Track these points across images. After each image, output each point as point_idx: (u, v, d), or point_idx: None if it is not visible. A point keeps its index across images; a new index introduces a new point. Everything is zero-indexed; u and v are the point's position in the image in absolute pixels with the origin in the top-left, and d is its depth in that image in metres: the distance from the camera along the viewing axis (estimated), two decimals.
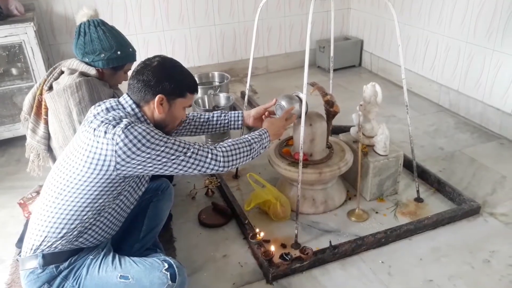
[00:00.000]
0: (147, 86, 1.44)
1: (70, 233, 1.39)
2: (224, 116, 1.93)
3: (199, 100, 2.91)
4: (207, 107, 2.89)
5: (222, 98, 2.96)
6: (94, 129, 1.35)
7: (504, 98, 2.72)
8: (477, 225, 2.01)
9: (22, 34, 2.69)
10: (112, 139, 1.31)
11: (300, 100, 1.89)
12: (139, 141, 1.33)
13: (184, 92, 1.51)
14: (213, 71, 3.53)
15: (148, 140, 1.34)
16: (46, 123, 1.92)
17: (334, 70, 2.67)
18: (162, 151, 1.37)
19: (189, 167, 1.44)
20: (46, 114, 1.91)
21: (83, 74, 1.83)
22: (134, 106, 1.46)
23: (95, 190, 1.37)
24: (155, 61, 1.47)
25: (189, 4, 3.63)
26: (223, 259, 1.88)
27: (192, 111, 3.25)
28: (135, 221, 1.71)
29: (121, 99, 1.49)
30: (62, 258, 1.41)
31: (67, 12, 3.31)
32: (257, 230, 1.90)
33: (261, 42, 4.00)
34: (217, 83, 3.35)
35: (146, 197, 1.79)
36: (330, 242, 1.85)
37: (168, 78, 1.46)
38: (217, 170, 1.51)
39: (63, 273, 1.40)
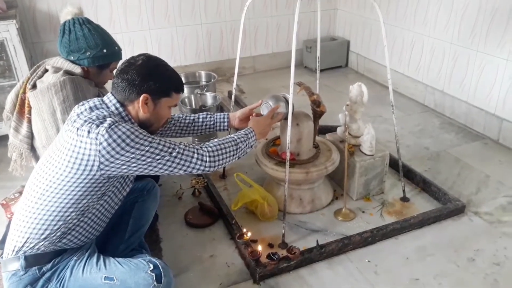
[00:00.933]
0: (132, 85, 1.41)
1: (53, 234, 1.36)
2: (210, 117, 1.91)
3: (186, 100, 2.89)
4: (193, 107, 2.87)
5: (209, 98, 2.94)
6: (77, 129, 1.33)
7: (488, 98, 2.76)
8: (462, 224, 2.03)
9: (4, 31, 2.63)
10: (96, 138, 1.29)
11: (287, 101, 1.88)
12: (123, 140, 1.31)
13: (170, 91, 1.48)
14: (199, 71, 3.50)
15: (132, 140, 1.32)
16: (29, 122, 1.89)
17: (321, 70, 2.68)
18: (147, 151, 1.35)
19: (175, 167, 1.43)
20: (30, 113, 1.87)
21: (68, 72, 1.80)
22: (118, 105, 1.43)
23: (79, 191, 1.34)
24: (139, 60, 1.44)
25: (175, 2, 3.60)
26: (210, 259, 1.86)
27: (178, 110, 3.23)
28: (120, 221, 1.69)
29: (105, 98, 1.46)
30: (45, 260, 1.38)
31: (51, 9, 3.25)
32: (244, 230, 1.89)
33: (248, 41, 3.99)
34: (204, 83, 3.33)
35: (131, 197, 1.76)
36: (317, 241, 1.85)
37: (153, 77, 1.43)
38: (203, 170, 1.49)
39: (46, 275, 1.38)
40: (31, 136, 1.92)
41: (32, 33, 3.30)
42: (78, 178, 1.32)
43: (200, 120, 1.91)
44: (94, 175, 1.33)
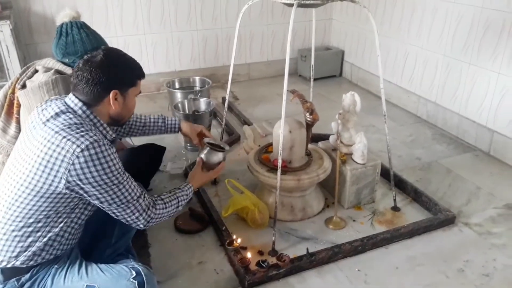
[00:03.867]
0: (97, 85, 1.34)
1: (24, 251, 1.32)
2: (162, 122, 1.93)
3: (179, 105, 2.89)
4: (187, 112, 2.86)
5: (202, 103, 2.94)
6: (48, 140, 1.26)
7: (480, 110, 2.78)
8: (452, 235, 2.03)
9: None
10: (70, 158, 1.24)
11: (221, 150, 1.82)
12: (96, 170, 1.26)
13: (135, 80, 1.44)
14: (194, 76, 3.51)
15: (104, 174, 1.28)
16: (18, 122, 1.87)
17: (315, 79, 2.69)
18: (113, 191, 1.32)
19: (121, 213, 1.37)
20: (18, 113, 1.85)
21: (58, 72, 1.79)
22: (84, 108, 1.36)
23: (45, 202, 1.29)
24: (98, 56, 1.36)
25: (171, 7, 3.61)
26: (198, 266, 1.84)
27: (171, 115, 3.22)
28: (107, 226, 1.65)
29: (68, 100, 1.37)
30: (23, 271, 1.34)
31: (46, 11, 3.24)
32: (234, 236, 1.88)
33: (243, 49, 4.00)
34: (198, 88, 3.33)
35: None
36: (307, 249, 1.84)
37: (118, 71, 1.38)
38: (137, 226, 1.43)
39: (26, 286, 1.34)
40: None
41: (26, 34, 3.29)
42: (45, 191, 1.27)
43: (152, 122, 1.91)
44: (61, 190, 1.28)
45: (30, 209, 1.29)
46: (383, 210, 2.20)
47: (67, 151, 1.24)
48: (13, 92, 1.87)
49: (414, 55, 3.27)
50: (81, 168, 1.25)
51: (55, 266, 1.38)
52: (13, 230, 1.31)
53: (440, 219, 2.06)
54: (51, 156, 1.25)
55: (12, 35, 2.65)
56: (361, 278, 1.78)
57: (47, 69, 1.81)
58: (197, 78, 3.45)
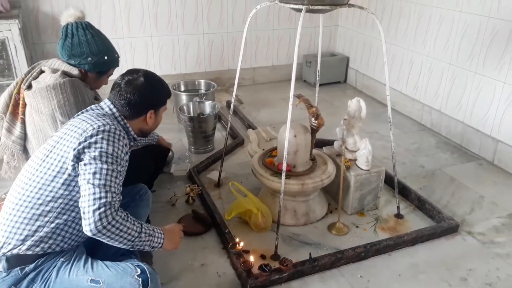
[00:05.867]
0: (138, 105, 1.52)
1: (32, 236, 1.35)
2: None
3: (184, 107, 2.89)
4: (192, 114, 2.87)
5: (207, 106, 2.94)
6: (71, 123, 1.46)
7: (484, 119, 2.78)
8: (455, 243, 2.03)
9: (6, 30, 2.64)
10: (82, 134, 1.38)
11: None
12: (96, 142, 1.37)
13: (166, 100, 1.64)
14: (199, 79, 3.52)
15: (103, 150, 1.37)
16: (23, 122, 1.87)
17: (320, 85, 2.69)
18: (102, 168, 1.36)
19: (86, 195, 1.32)
20: (23, 114, 1.85)
21: (65, 73, 1.79)
22: (114, 110, 1.53)
23: (54, 188, 1.37)
24: (139, 80, 1.53)
25: (179, 11, 3.63)
26: (201, 268, 1.84)
27: (176, 117, 3.24)
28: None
29: (102, 104, 1.55)
30: (28, 261, 1.36)
31: (54, 11, 3.26)
32: (237, 239, 1.87)
33: (249, 53, 4.01)
34: (203, 91, 3.34)
35: (123, 202, 1.74)
36: (310, 254, 1.84)
37: (155, 94, 1.57)
38: (88, 225, 1.30)
39: (30, 276, 1.36)
40: (24, 137, 1.91)
41: (34, 34, 3.31)
42: (54, 176, 1.37)
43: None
44: (68, 167, 1.37)
45: (40, 188, 1.37)
46: (386, 217, 2.20)
47: (83, 130, 1.39)
48: (18, 93, 1.87)
49: (420, 63, 3.28)
50: (90, 136, 1.37)
51: (61, 259, 1.40)
52: (22, 211, 1.36)
53: (444, 227, 2.06)
54: (68, 135, 1.41)
55: (20, 35, 2.66)
56: (364, 285, 1.77)
57: (54, 70, 1.80)
58: (202, 81, 3.46)
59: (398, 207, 2.21)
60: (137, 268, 1.39)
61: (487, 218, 2.21)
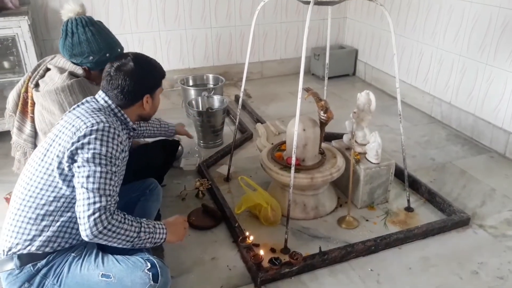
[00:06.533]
0: (132, 92, 1.46)
1: (39, 236, 1.36)
2: (158, 122, 2.18)
3: (193, 102, 2.90)
4: (200, 109, 2.88)
5: (216, 100, 2.95)
6: (66, 121, 1.41)
7: (495, 112, 2.75)
8: (466, 237, 2.01)
9: (15, 27, 2.65)
10: (75, 133, 1.33)
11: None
12: (90, 142, 1.32)
13: (161, 81, 1.57)
14: (207, 74, 3.52)
15: (96, 150, 1.32)
16: (33, 121, 1.88)
17: (328, 78, 2.68)
18: (95, 170, 1.31)
19: (81, 200, 1.30)
20: (33, 112, 1.86)
21: (72, 74, 1.79)
22: (109, 101, 1.47)
23: (54, 182, 1.36)
24: (129, 65, 1.45)
25: (186, 5, 3.62)
26: (211, 262, 1.86)
27: (185, 112, 3.24)
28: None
29: (97, 96, 1.49)
30: (40, 257, 1.38)
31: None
32: (247, 233, 1.88)
33: (257, 47, 4.00)
34: (211, 85, 3.34)
35: (133, 196, 1.76)
36: (320, 248, 1.84)
37: (149, 78, 1.50)
38: (84, 231, 1.28)
39: (42, 271, 1.37)
40: (34, 135, 1.92)
41: (43, 30, 3.33)
42: (54, 176, 1.35)
43: (153, 121, 2.13)
44: (65, 168, 1.34)
45: (41, 189, 1.36)
46: (396, 210, 2.19)
47: (77, 128, 1.34)
48: (26, 91, 1.87)
49: (429, 55, 3.24)
50: (84, 136, 1.32)
51: (72, 254, 1.41)
52: (27, 212, 1.36)
53: (454, 220, 2.05)
54: (63, 133, 1.37)
55: (30, 31, 2.68)
56: (374, 278, 1.77)
57: (60, 69, 1.79)
58: (210, 76, 3.46)
59: (408, 201, 2.20)
60: (147, 262, 1.40)
61: (498, 211, 2.19)
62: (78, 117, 1.38)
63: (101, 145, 1.33)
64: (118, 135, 1.38)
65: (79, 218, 1.30)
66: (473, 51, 2.85)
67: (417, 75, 3.41)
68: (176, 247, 1.93)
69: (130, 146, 1.75)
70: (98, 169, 1.31)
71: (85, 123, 1.35)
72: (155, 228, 1.44)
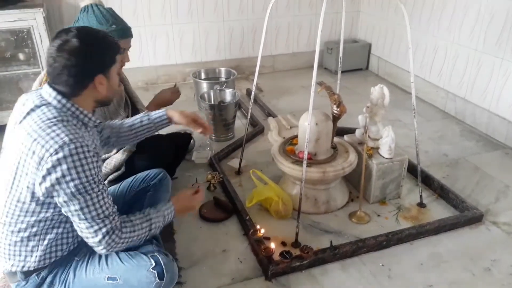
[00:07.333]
0: (80, 73, 1.24)
1: (31, 256, 1.33)
2: (147, 119, 1.68)
3: (205, 95, 2.90)
4: (212, 102, 2.88)
5: (228, 94, 2.95)
6: (22, 143, 1.21)
7: (511, 108, 2.71)
8: (479, 233, 2.00)
9: (31, 19, 2.68)
10: (40, 163, 1.17)
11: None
12: (72, 179, 1.18)
13: (114, 57, 1.32)
14: (219, 67, 3.52)
15: (73, 179, 1.19)
16: None
17: (341, 72, 2.66)
18: (79, 200, 1.21)
19: (84, 229, 1.26)
20: None
21: None
22: (59, 97, 1.26)
23: (30, 210, 1.26)
24: (72, 41, 1.21)
25: None
26: (222, 254, 1.87)
27: (197, 105, 3.25)
28: (133, 210, 1.66)
29: (43, 92, 1.27)
30: (41, 268, 1.36)
31: (77, 0, 3.30)
32: (258, 226, 1.89)
33: (269, 40, 3.99)
34: (223, 79, 3.34)
35: (141, 187, 1.76)
36: (331, 242, 1.84)
37: (99, 55, 1.26)
38: (100, 250, 1.30)
39: (48, 279, 1.37)
40: None
41: (58, 22, 3.35)
42: (29, 203, 1.25)
43: (138, 123, 1.68)
44: (40, 196, 1.23)
45: (19, 215, 1.27)
46: (408, 206, 2.17)
47: (40, 157, 1.17)
48: (47, 80, 1.91)
49: (444, 50, 3.20)
50: (48, 171, 1.17)
51: (76, 258, 1.40)
52: (12, 235, 1.30)
53: (467, 216, 2.03)
54: (25, 161, 1.20)
55: (45, 23, 2.70)
56: (385, 273, 1.76)
57: None
58: (222, 69, 3.47)
59: (420, 196, 2.18)
60: (151, 259, 1.37)
61: None
62: (35, 139, 1.18)
63: (77, 173, 1.18)
64: (89, 150, 1.21)
65: (88, 242, 1.29)
66: (489, 46, 2.81)
67: (431, 70, 3.37)
68: (188, 239, 1.95)
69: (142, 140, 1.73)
70: (88, 197, 1.22)
71: (46, 150, 1.16)
72: (164, 217, 1.46)
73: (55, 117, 1.22)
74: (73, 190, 1.19)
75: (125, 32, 1.90)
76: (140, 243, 1.41)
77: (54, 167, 1.16)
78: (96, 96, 1.32)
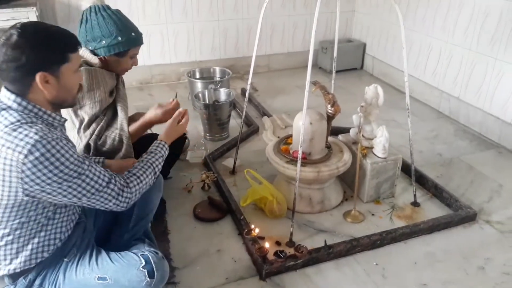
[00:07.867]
0: (18, 69, 1.15)
1: (16, 258, 1.30)
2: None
3: (200, 94, 2.90)
4: (207, 102, 2.88)
5: (222, 93, 2.94)
6: None
7: (505, 107, 2.72)
8: (472, 232, 2.00)
9: (24, 18, 2.67)
10: (17, 167, 1.12)
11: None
12: (50, 171, 1.14)
13: (66, 55, 1.22)
14: (214, 66, 3.51)
15: (61, 170, 1.16)
16: None
17: (336, 71, 2.66)
18: (77, 183, 1.21)
19: (96, 202, 1.28)
20: None
21: (86, 63, 1.80)
22: (19, 99, 1.19)
23: (12, 212, 1.22)
24: (13, 35, 1.15)
25: None
26: (217, 254, 1.86)
27: (192, 104, 3.24)
28: (123, 213, 1.62)
29: (2, 96, 1.21)
30: (28, 270, 1.34)
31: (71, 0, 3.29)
32: (252, 226, 1.89)
33: (264, 40, 3.99)
34: (218, 78, 3.34)
35: None
36: (325, 241, 1.84)
37: (38, 50, 1.17)
38: (118, 209, 1.35)
39: (36, 282, 1.35)
40: None
41: (51, 21, 3.33)
42: (6, 202, 1.20)
43: None
44: (23, 198, 1.19)
45: (1, 221, 1.24)
46: (402, 205, 2.18)
47: (11, 160, 1.12)
48: None
49: (438, 49, 3.21)
50: (33, 173, 1.13)
51: (65, 259, 1.38)
52: None
53: (461, 215, 2.04)
54: (3, 169, 1.15)
55: None
56: (379, 272, 1.77)
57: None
58: (217, 69, 3.46)
59: (414, 195, 2.19)
60: (141, 258, 1.38)
61: (505, 207, 2.18)
62: (2, 145, 1.14)
63: (56, 168, 1.15)
64: (59, 139, 1.18)
65: (108, 209, 1.33)
66: (483, 46, 2.82)
67: (425, 70, 3.38)
68: (182, 239, 1.94)
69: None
70: (84, 177, 1.22)
71: (19, 152, 1.12)
72: (162, 156, 1.54)
73: (18, 121, 1.17)
74: (65, 182, 1.19)
75: (131, 42, 1.85)
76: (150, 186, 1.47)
77: (35, 166, 1.13)
78: (45, 96, 1.22)
